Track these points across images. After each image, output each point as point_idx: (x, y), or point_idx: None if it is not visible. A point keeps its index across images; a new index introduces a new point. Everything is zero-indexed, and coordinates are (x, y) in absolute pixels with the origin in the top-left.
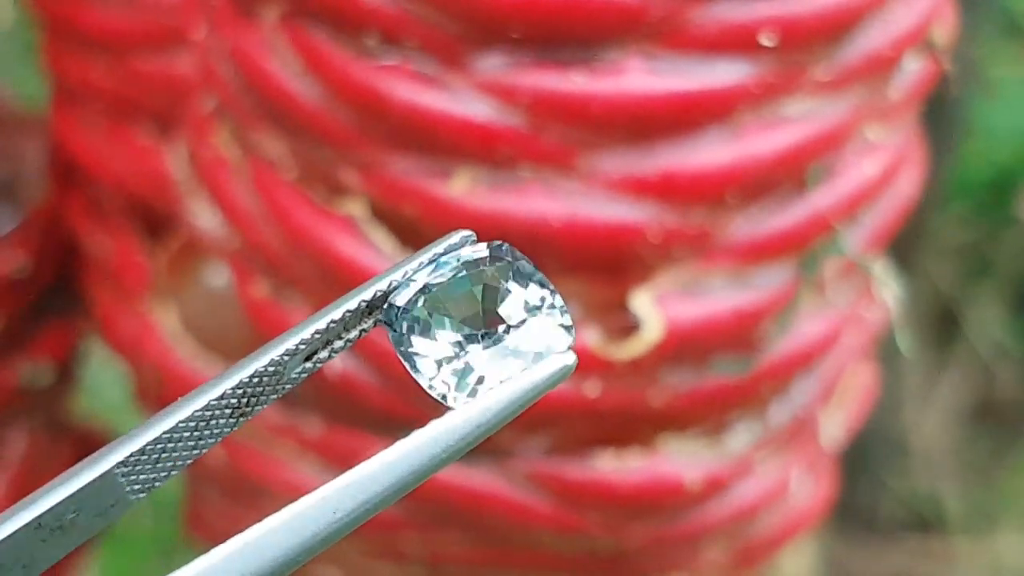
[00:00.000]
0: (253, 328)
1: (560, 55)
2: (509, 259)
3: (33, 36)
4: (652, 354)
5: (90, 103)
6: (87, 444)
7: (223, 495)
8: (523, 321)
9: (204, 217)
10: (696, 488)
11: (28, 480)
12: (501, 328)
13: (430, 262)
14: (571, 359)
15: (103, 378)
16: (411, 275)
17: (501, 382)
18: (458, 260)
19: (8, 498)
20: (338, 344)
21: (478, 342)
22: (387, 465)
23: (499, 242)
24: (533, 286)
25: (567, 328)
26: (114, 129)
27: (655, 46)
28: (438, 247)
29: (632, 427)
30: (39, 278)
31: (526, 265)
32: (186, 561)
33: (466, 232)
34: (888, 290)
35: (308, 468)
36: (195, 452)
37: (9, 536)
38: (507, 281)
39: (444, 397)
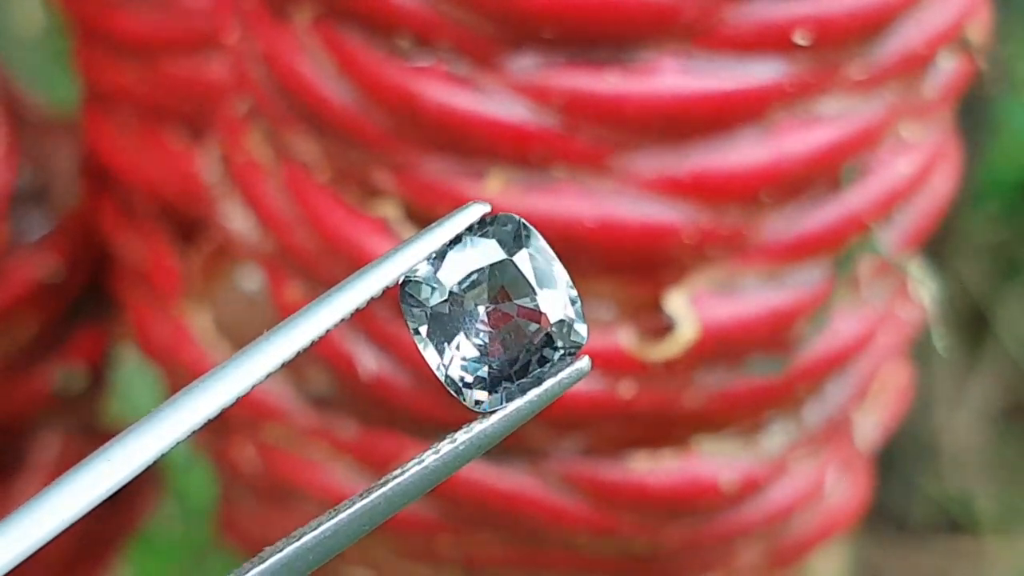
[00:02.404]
0: None
1: (594, 55)
2: (524, 236)
3: (64, 41)
4: (687, 355)
5: (122, 107)
6: None
7: (256, 498)
8: (537, 306)
9: (237, 220)
10: (731, 489)
11: None
12: (517, 315)
13: (449, 243)
14: (585, 364)
15: (136, 382)
16: (430, 256)
17: (513, 380)
18: (473, 236)
19: None
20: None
21: (493, 332)
22: (401, 486)
23: (511, 215)
24: (548, 267)
25: (579, 319)
26: (146, 133)
27: (689, 46)
28: (456, 222)
29: (667, 428)
30: (72, 283)
31: (540, 244)
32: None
33: (483, 206)
34: (924, 289)
35: (342, 470)
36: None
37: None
38: (522, 263)
39: (459, 392)
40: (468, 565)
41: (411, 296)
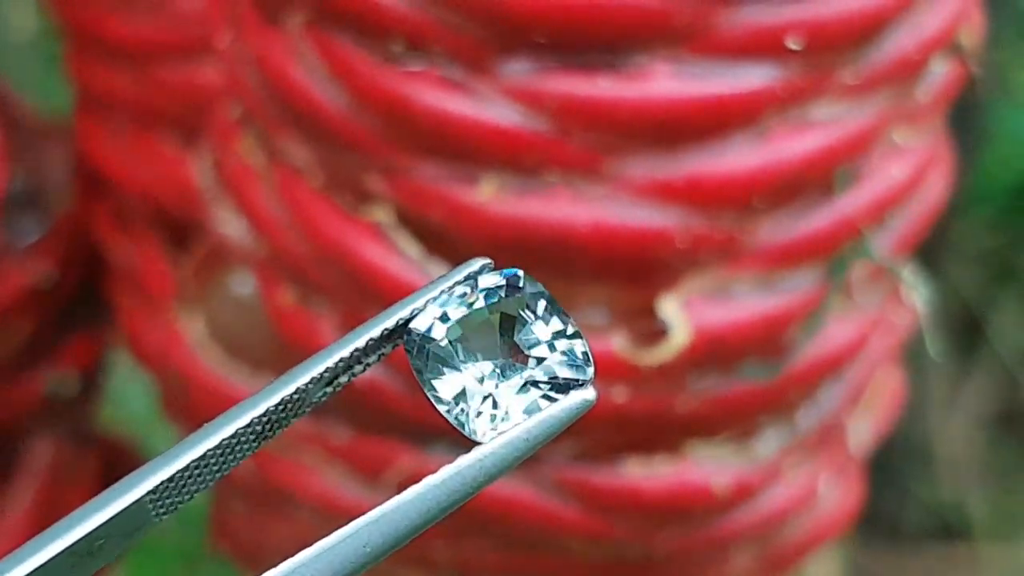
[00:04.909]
0: (279, 336)
1: (586, 60)
2: (526, 287)
3: (57, 45)
4: (680, 360)
5: (115, 112)
6: (112, 454)
7: (249, 504)
8: (541, 350)
9: (230, 225)
10: (724, 494)
11: (53, 490)
12: (519, 357)
13: (450, 289)
14: (591, 394)
15: (128, 388)
16: (431, 302)
17: (522, 414)
18: (476, 288)
19: (34, 508)
20: (358, 368)
21: (496, 371)
22: (402, 506)
23: (515, 270)
24: (550, 315)
25: (585, 357)
26: (139, 138)
27: (682, 50)
28: (457, 274)
29: (660, 433)
30: (64, 287)
31: (543, 293)
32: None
33: (484, 260)
34: (917, 294)
35: (335, 476)
36: (218, 475)
37: (43, 564)
38: (524, 310)
39: (463, 426)
40: (461, 571)
41: (414, 342)
